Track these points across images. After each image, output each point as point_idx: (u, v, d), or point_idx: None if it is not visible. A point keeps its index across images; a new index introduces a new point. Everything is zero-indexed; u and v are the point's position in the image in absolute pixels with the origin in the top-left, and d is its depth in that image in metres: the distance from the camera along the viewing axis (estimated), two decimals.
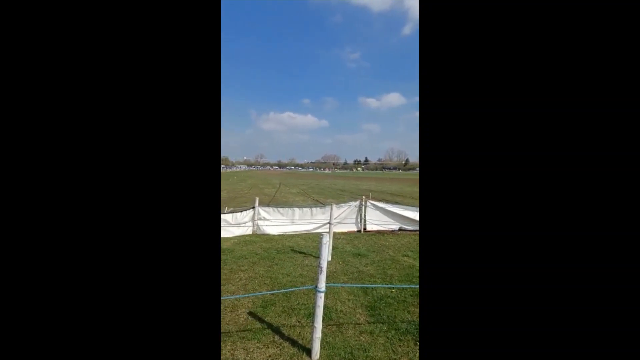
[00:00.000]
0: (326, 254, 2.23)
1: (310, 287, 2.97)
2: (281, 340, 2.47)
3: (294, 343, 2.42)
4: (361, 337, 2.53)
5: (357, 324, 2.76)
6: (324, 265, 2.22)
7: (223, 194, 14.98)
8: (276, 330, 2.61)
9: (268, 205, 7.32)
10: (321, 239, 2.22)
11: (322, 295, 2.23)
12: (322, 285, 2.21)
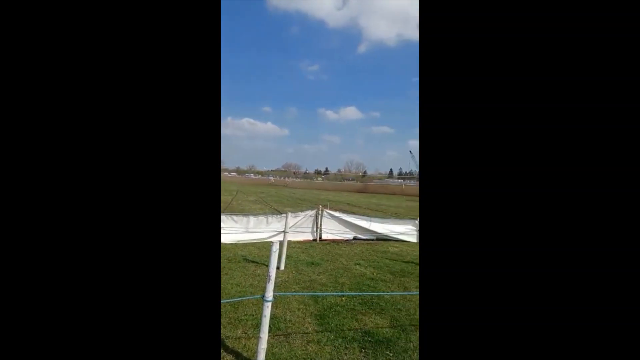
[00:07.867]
0: (275, 263, 2.21)
1: (258, 296, 2.90)
2: (224, 353, 2.36)
3: (237, 355, 2.33)
4: (308, 347, 2.52)
5: (305, 333, 2.74)
6: (273, 274, 2.19)
7: None
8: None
9: (223, 213, 7.04)
10: (271, 247, 2.19)
11: (269, 304, 2.18)
12: (269, 294, 2.17)
